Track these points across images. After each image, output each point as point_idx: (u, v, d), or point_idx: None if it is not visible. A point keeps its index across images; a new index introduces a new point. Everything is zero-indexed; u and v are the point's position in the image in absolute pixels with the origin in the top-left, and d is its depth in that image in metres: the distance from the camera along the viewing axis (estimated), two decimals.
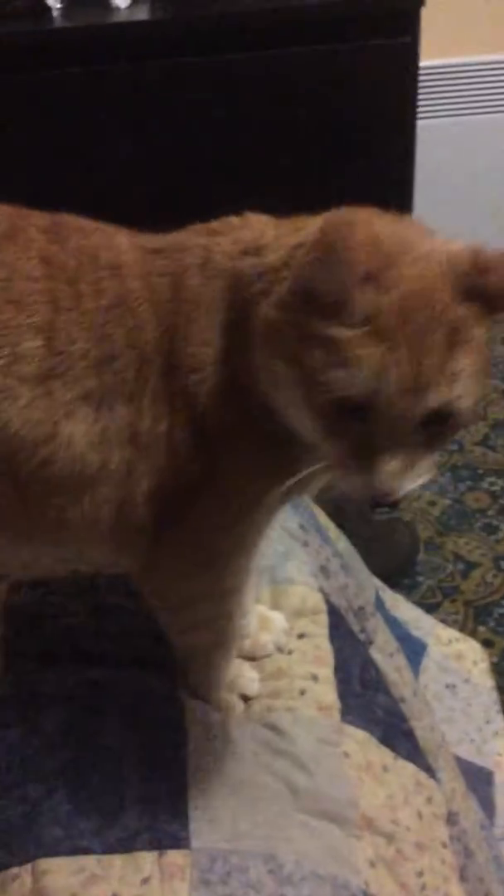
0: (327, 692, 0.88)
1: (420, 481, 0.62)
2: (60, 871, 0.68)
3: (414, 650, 1.47)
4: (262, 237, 0.68)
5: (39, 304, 0.66)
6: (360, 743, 0.86)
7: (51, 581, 0.91)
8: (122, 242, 0.71)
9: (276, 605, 0.96)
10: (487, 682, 1.50)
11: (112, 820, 0.72)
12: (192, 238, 0.70)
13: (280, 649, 0.92)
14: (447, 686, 1.44)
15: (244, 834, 0.73)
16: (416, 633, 1.48)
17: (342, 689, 0.89)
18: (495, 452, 2.18)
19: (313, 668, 0.90)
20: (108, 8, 1.49)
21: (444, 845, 0.88)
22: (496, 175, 2.36)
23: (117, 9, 1.50)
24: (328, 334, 0.57)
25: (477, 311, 0.59)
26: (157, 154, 1.49)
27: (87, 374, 0.66)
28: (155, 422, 0.68)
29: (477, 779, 1.33)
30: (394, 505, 0.62)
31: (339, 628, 0.96)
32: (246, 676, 0.88)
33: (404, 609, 1.50)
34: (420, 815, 0.87)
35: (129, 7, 1.52)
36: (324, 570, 1.04)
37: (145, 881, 0.68)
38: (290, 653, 0.91)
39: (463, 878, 0.88)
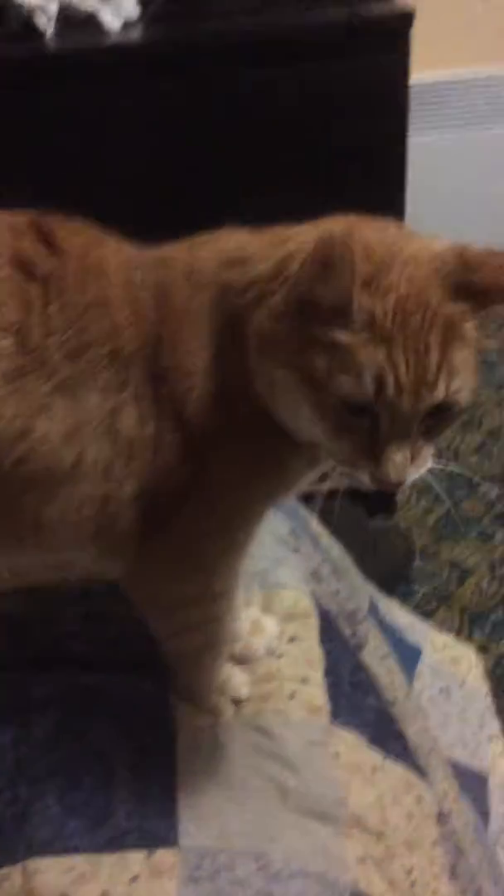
0: (317, 694, 0.89)
1: (423, 470, 0.66)
2: (50, 870, 0.69)
3: (409, 656, 1.48)
4: (244, 249, 0.70)
5: (10, 304, 0.67)
6: (349, 744, 0.87)
7: (43, 588, 0.93)
8: (107, 249, 0.73)
9: (267, 609, 0.98)
10: (482, 686, 1.51)
11: (102, 820, 0.73)
12: (174, 251, 0.72)
13: (271, 653, 0.93)
14: (441, 691, 1.45)
15: (232, 833, 0.74)
16: (410, 638, 1.49)
17: (332, 692, 0.90)
18: (490, 460, 2.19)
19: (303, 670, 0.91)
20: (101, 30, 1.51)
21: (435, 844, 0.89)
22: (487, 190, 2.39)
23: (110, 31, 1.52)
24: (331, 340, 0.60)
25: (466, 307, 0.62)
26: (152, 173, 1.51)
27: (62, 364, 0.67)
28: (140, 424, 0.69)
29: (471, 782, 1.34)
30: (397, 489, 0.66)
31: (330, 632, 0.98)
32: (236, 680, 0.89)
33: (399, 615, 1.51)
34: (410, 815, 0.88)
35: (122, 29, 1.54)
36: (315, 575, 1.06)
37: (134, 879, 0.69)
38: (280, 656, 0.93)
39: (453, 875, 0.89)
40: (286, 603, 0.97)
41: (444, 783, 1.05)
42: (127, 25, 1.54)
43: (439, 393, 0.61)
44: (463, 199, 2.32)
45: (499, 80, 2.49)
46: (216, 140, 1.52)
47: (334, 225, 0.66)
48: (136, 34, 1.55)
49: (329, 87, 1.52)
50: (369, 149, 1.56)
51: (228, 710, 0.87)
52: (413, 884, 0.81)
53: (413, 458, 0.63)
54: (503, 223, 2.57)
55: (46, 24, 1.47)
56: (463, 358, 0.62)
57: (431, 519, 2.04)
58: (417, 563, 1.91)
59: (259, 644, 0.94)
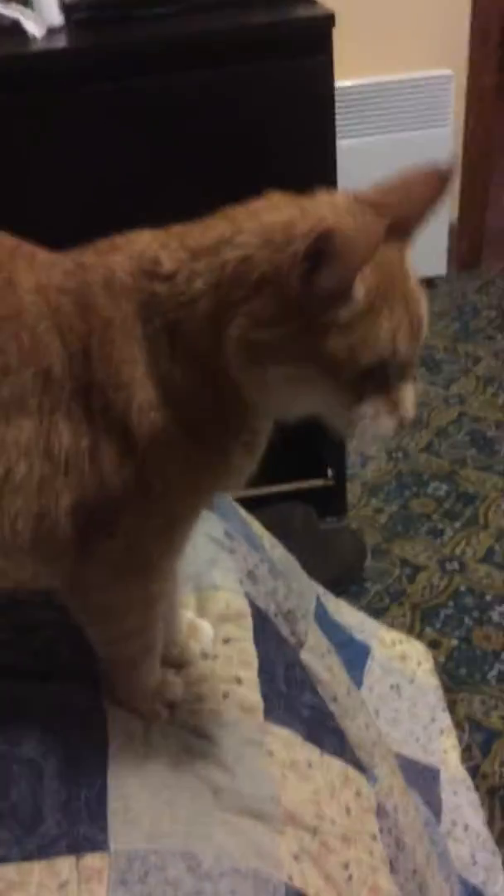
0: (251, 693, 0.89)
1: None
2: None
3: (358, 653, 1.49)
4: (158, 261, 0.69)
5: None
6: (284, 741, 0.87)
7: None
8: (20, 260, 0.72)
9: (201, 612, 0.98)
10: (432, 681, 1.52)
11: (31, 828, 0.72)
12: (88, 257, 0.72)
13: (205, 655, 0.93)
14: (392, 687, 1.46)
15: (163, 834, 0.74)
16: (359, 636, 1.50)
17: (266, 690, 0.90)
18: (439, 458, 2.22)
19: (237, 671, 0.91)
20: (24, 38, 1.51)
21: (374, 837, 0.90)
22: None
23: (33, 38, 1.52)
24: (341, 321, 0.63)
25: (402, 243, 0.68)
26: (76, 182, 1.51)
27: None
28: (74, 439, 0.69)
29: (423, 777, 1.35)
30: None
31: (265, 631, 0.98)
32: (170, 683, 0.89)
33: (347, 614, 1.51)
34: (348, 809, 0.88)
35: (46, 36, 1.55)
36: (251, 576, 1.06)
37: (63, 886, 0.69)
38: (214, 658, 0.93)
39: (394, 869, 0.89)
40: (220, 604, 0.98)
41: (390, 778, 1.06)
42: (51, 32, 1.55)
43: (426, 331, 0.68)
44: None
45: (418, 85, 2.53)
46: (143, 144, 1.52)
47: (299, 213, 0.66)
48: (59, 41, 1.55)
49: (257, 89, 1.54)
50: (300, 149, 1.57)
51: (163, 714, 0.87)
52: (350, 878, 0.81)
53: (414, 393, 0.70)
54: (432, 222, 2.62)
55: None
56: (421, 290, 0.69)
57: (382, 518, 2.05)
58: (369, 561, 1.93)
59: (196, 647, 0.94)
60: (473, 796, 1.37)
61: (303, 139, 1.60)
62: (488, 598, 1.80)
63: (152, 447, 0.69)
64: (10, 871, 0.69)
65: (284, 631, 1.05)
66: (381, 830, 0.91)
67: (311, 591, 1.41)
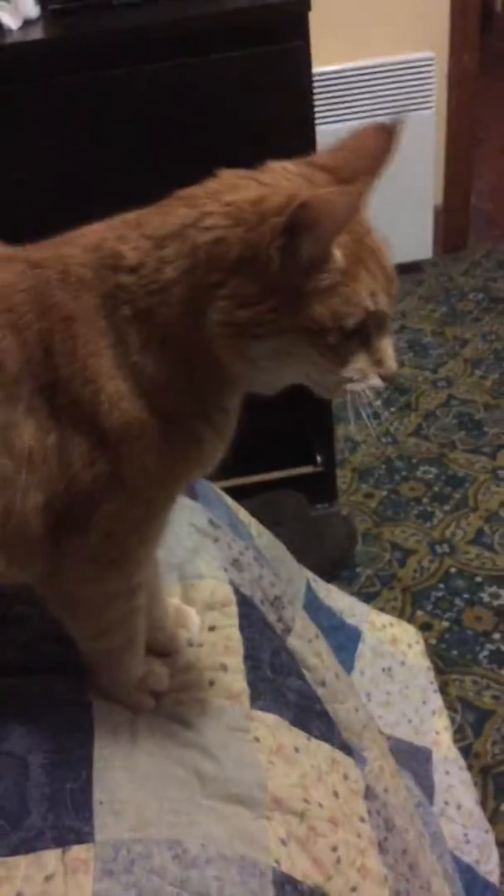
0: (236, 680, 0.90)
1: None
2: None
3: (349, 637, 1.50)
4: (119, 253, 0.68)
5: None
6: (270, 727, 0.87)
7: None
8: None
9: (186, 601, 0.98)
10: (423, 663, 1.53)
11: (16, 823, 0.72)
12: (40, 251, 0.71)
13: (191, 644, 0.94)
14: (383, 670, 1.47)
15: (149, 823, 0.74)
16: (350, 620, 1.50)
17: (251, 676, 0.91)
18: (428, 441, 2.22)
19: (223, 658, 0.92)
20: (0, 30, 1.50)
21: (362, 820, 0.90)
22: (389, 174, 2.43)
23: (9, 30, 1.51)
24: (323, 287, 0.64)
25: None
26: (54, 173, 1.50)
27: None
28: (38, 436, 0.69)
29: (416, 758, 1.36)
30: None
31: (250, 618, 0.98)
32: (156, 673, 0.89)
33: (337, 598, 1.52)
34: (335, 793, 0.89)
35: (22, 28, 1.53)
36: (236, 563, 1.06)
37: (49, 878, 0.69)
38: (199, 646, 0.93)
39: (382, 850, 0.90)
40: (204, 593, 0.98)
41: (380, 760, 1.06)
42: (27, 24, 1.53)
43: (398, 285, 0.70)
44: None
45: (400, 68, 2.52)
46: (121, 133, 1.52)
47: (250, 190, 0.66)
48: (36, 32, 1.54)
49: (234, 76, 1.53)
50: (279, 135, 1.56)
51: (149, 704, 0.87)
52: (338, 860, 0.82)
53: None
54: (408, 206, 2.62)
55: None
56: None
57: (372, 503, 2.06)
58: (360, 546, 1.93)
59: (184, 635, 0.94)
60: (466, 775, 1.38)
61: (282, 125, 1.59)
62: (478, 579, 1.81)
63: (125, 439, 0.69)
64: None
65: (271, 617, 1.05)
66: (369, 812, 0.92)
67: (299, 577, 1.42)
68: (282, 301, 0.64)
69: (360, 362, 0.69)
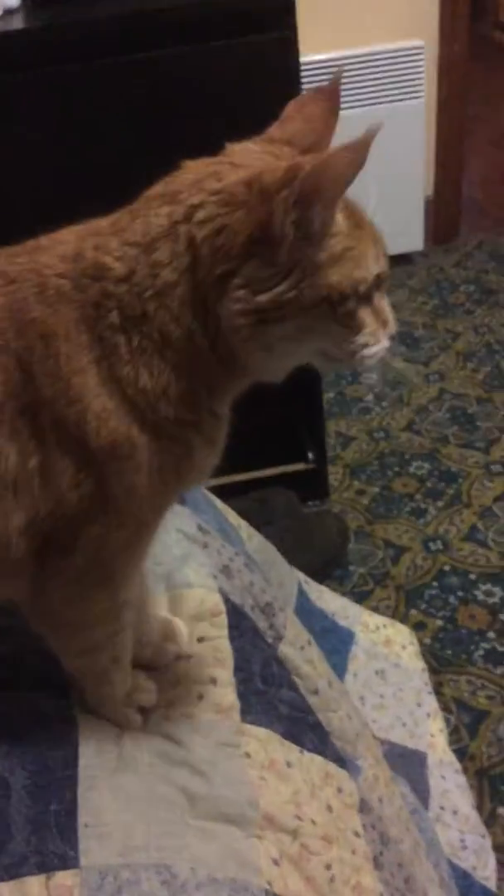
0: (226, 694, 0.87)
1: None
2: None
3: (342, 640, 1.48)
4: (103, 261, 0.65)
5: None
6: (261, 741, 0.85)
7: None
8: None
9: (174, 611, 0.95)
10: (417, 664, 1.51)
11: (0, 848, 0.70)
12: (14, 263, 0.68)
13: (179, 657, 0.91)
14: (377, 672, 1.45)
15: (136, 847, 0.72)
16: (342, 622, 1.48)
17: (242, 689, 0.88)
18: (421, 437, 2.20)
19: (212, 671, 0.89)
20: None
21: (357, 835, 0.88)
22: (379, 165, 2.40)
23: None
24: (336, 252, 0.64)
25: None
26: (39, 165, 1.47)
27: None
28: (21, 460, 0.66)
29: (410, 762, 1.34)
30: None
31: (240, 627, 0.95)
32: (143, 688, 0.86)
33: (330, 600, 1.50)
34: (329, 807, 0.87)
35: (2, 18, 1.50)
36: (225, 570, 1.03)
37: None
38: (188, 658, 0.90)
39: (378, 865, 0.88)
40: (193, 603, 0.95)
41: (375, 769, 1.04)
42: (7, 13, 1.50)
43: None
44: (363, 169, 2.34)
45: (389, 57, 2.49)
46: (105, 125, 1.48)
47: (237, 172, 0.64)
48: (17, 22, 1.50)
49: (220, 65, 1.50)
50: (266, 124, 1.53)
51: (137, 720, 0.84)
52: (332, 879, 0.79)
53: None
54: (398, 198, 2.59)
55: None
56: None
57: (365, 500, 2.03)
58: (353, 544, 1.91)
59: (170, 650, 0.92)
60: (461, 779, 1.36)
61: (269, 115, 1.55)
62: (472, 576, 1.79)
63: (114, 458, 0.66)
64: None
65: (262, 625, 1.02)
66: (364, 826, 0.90)
67: (291, 579, 1.39)
68: (300, 277, 0.63)
69: (371, 325, 0.68)
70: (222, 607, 0.96)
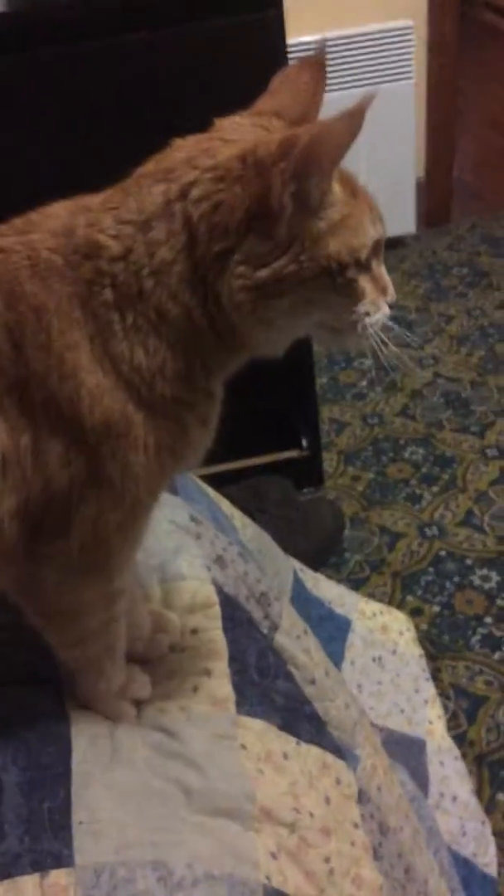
0: (221, 685, 0.86)
1: None
2: None
3: (338, 627, 1.46)
4: (97, 239, 0.64)
5: None
6: (257, 733, 0.84)
7: None
8: None
9: (167, 604, 0.94)
10: (415, 650, 1.50)
11: None
12: (5, 238, 0.66)
13: (173, 649, 0.90)
14: (374, 659, 1.44)
15: (132, 843, 0.70)
16: (339, 610, 1.47)
17: (237, 680, 0.87)
18: (415, 421, 2.18)
19: (207, 662, 0.88)
20: None
21: (356, 825, 0.87)
22: (369, 148, 2.38)
23: None
24: (334, 221, 0.63)
25: None
26: (17, 151, 1.45)
27: None
28: (11, 437, 0.64)
29: (409, 749, 1.33)
30: None
31: (234, 618, 0.94)
32: (137, 681, 0.85)
33: (326, 588, 1.49)
34: (327, 799, 0.86)
35: None
36: (219, 561, 1.02)
37: None
38: (182, 650, 0.89)
39: (378, 856, 0.87)
40: (186, 595, 0.94)
41: (373, 758, 1.03)
42: None
43: None
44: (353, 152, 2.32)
45: (378, 37, 2.46)
46: (90, 108, 1.46)
47: (229, 147, 0.64)
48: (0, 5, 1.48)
49: (205, 47, 1.48)
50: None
51: (131, 713, 0.83)
52: (332, 871, 0.78)
53: None
54: (389, 180, 2.57)
55: None
56: None
57: (360, 486, 2.02)
58: (348, 531, 1.90)
59: (163, 640, 0.90)
60: (460, 765, 1.36)
61: (256, 95, 1.53)
62: (468, 561, 1.78)
63: (108, 436, 0.65)
64: None
65: (257, 615, 1.01)
66: (363, 817, 0.89)
67: (286, 568, 1.38)
68: (299, 249, 0.63)
69: (371, 293, 0.68)
70: (215, 599, 0.94)
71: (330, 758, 0.90)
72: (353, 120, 0.59)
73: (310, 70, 0.71)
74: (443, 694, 1.51)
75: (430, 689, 1.45)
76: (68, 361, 0.64)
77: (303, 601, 1.37)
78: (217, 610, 0.93)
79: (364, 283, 0.67)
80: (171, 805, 0.75)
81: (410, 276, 2.73)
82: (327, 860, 0.79)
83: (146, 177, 0.65)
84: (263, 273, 0.63)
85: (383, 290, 0.69)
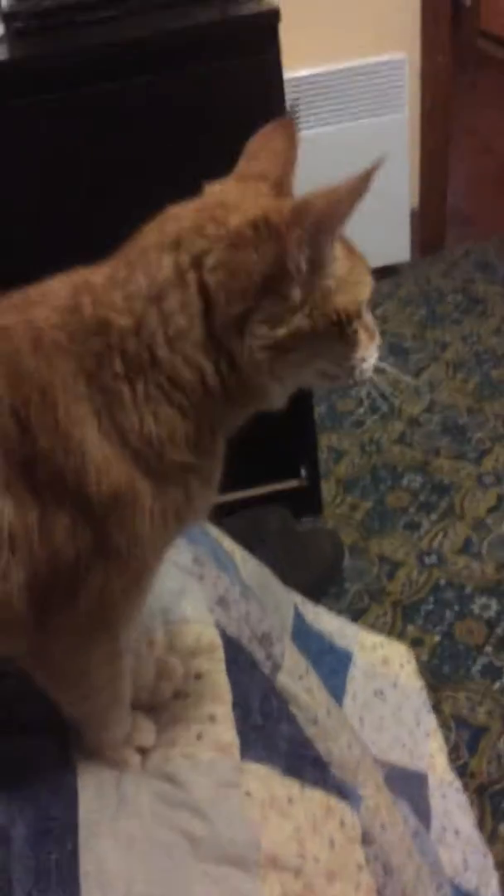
0: (225, 731, 0.87)
1: None
2: None
3: (339, 661, 1.47)
4: (106, 317, 0.65)
5: None
6: (262, 779, 0.85)
7: None
8: None
9: (171, 648, 0.95)
10: (416, 683, 1.51)
11: None
12: (4, 316, 0.67)
13: (177, 695, 0.91)
14: (375, 693, 1.44)
15: (139, 894, 0.71)
16: (340, 643, 1.48)
17: (241, 726, 0.88)
18: (413, 449, 2.20)
19: (210, 707, 0.89)
20: None
21: (361, 868, 0.88)
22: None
23: None
24: (339, 276, 0.68)
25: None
26: (22, 195, 1.47)
27: None
28: (19, 514, 0.65)
29: (411, 784, 1.34)
30: None
31: (238, 661, 0.95)
32: (142, 729, 0.86)
33: (326, 621, 1.50)
34: (332, 842, 0.86)
35: None
36: (222, 602, 1.03)
37: None
38: (186, 696, 0.90)
39: None
40: (190, 638, 0.95)
41: (376, 797, 1.04)
42: None
43: None
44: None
45: (372, 70, 2.50)
46: (91, 152, 1.48)
47: (238, 215, 0.66)
48: (1, 53, 1.50)
49: (204, 89, 1.50)
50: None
51: (136, 761, 0.84)
52: None
53: None
54: (384, 210, 2.60)
55: None
56: None
57: (358, 514, 2.03)
58: (347, 560, 1.91)
59: (167, 688, 0.91)
60: (462, 798, 1.36)
61: (252, 134, 1.56)
62: (468, 590, 1.79)
63: (115, 508, 0.66)
64: None
65: (259, 656, 1.02)
66: (367, 859, 0.90)
67: (287, 603, 1.39)
68: (312, 305, 0.66)
69: (365, 340, 0.72)
70: (219, 642, 0.95)
71: (333, 800, 0.91)
72: (362, 184, 0.62)
73: (283, 132, 0.75)
74: (444, 725, 1.52)
75: (431, 722, 1.46)
76: (74, 437, 0.65)
77: (303, 636, 1.38)
78: (221, 653, 0.94)
79: (360, 330, 0.71)
80: (177, 855, 0.76)
81: (406, 304, 2.76)
82: None
83: (151, 249, 0.66)
84: (281, 331, 0.66)
85: (372, 336, 0.73)
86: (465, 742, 1.52)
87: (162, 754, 0.84)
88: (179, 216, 0.67)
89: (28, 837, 0.74)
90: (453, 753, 1.49)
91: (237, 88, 1.52)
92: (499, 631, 1.69)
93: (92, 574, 0.68)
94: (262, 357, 0.67)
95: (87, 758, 0.83)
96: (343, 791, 0.95)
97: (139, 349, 0.65)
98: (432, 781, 1.36)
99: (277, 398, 0.72)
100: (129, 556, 0.68)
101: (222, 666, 0.93)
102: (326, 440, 2.25)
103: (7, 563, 0.66)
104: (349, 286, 0.68)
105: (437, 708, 1.54)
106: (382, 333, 0.76)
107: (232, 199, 0.68)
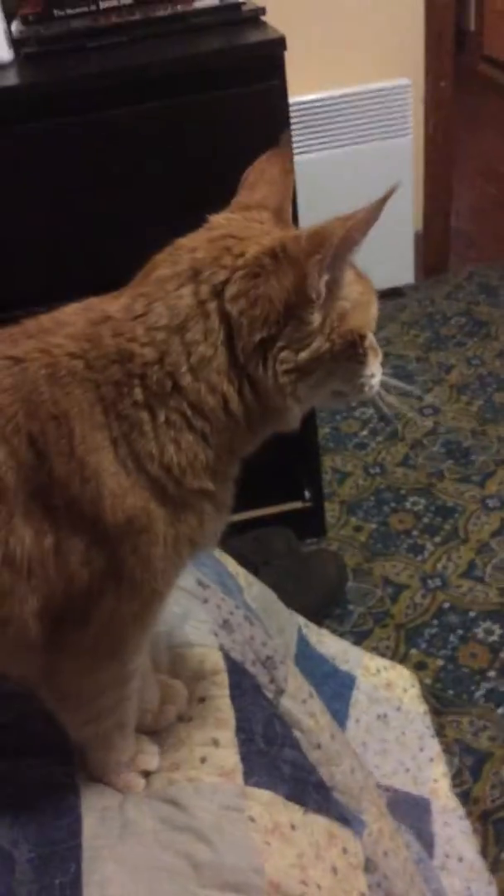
0: (229, 756, 0.87)
1: None
2: None
3: (343, 684, 1.47)
4: (129, 349, 0.66)
5: None
6: (265, 804, 0.85)
7: None
8: None
9: (175, 670, 0.95)
10: (419, 707, 1.51)
11: None
12: (18, 347, 0.68)
13: (181, 718, 0.91)
14: (379, 717, 1.44)
15: None
16: (343, 667, 1.48)
17: (244, 751, 0.88)
18: (416, 471, 2.20)
19: (214, 732, 0.89)
20: None
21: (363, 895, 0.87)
22: (370, 201, 2.44)
23: None
24: (354, 298, 0.70)
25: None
26: (29, 221, 1.48)
27: None
28: (36, 541, 0.66)
29: (414, 810, 1.33)
30: None
31: (241, 686, 0.95)
32: (146, 752, 0.86)
33: (330, 644, 1.50)
34: (335, 869, 0.86)
35: None
36: (226, 626, 1.03)
37: None
38: (189, 720, 0.90)
39: None
40: (194, 662, 0.95)
41: (379, 822, 1.04)
42: (0, 69, 1.52)
43: None
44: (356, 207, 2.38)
45: (376, 95, 2.53)
46: (98, 178, 1.50)
47: (257, 243, 0.68)
48: (10, 78, 1.52)
49: (210, 117, 1.52)
50: None
51: (140, 785, 0.84)
52: None
53: None
54: (388, 233, 2.62)
55: None
56: None
57: (362, 536, 2.03)
58: (351, 583, 1.91)
59: (171, 712, 0.91)
60: (465, 825, 1.35)
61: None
62: (472, 614, 1.79)
63: (130, 534, 0.67)
64: None
65: (263, 680, 1.02)
66: (370, 886, 0.89)
67: (291, 625, 1.39)
68: (331, 328, 0.69)
69: (372, 356, 0.74)
70: (223, 665, 0.96)
71: (337, 827, 0.91)
72: (376, 211, 0.65)
73: (279, 161, 0.77)
74: (447, 750, 1.51)
75: (434, 747, 1.45)
76: (90, 465, 0.65)
77: (307, 659, 1.38)
78: (224, 677, 0.94)
79: (366, 350, 0.73)
80: (180, 880, 0.75)
81: (410, 326, 2.77)
82: None
83: (167, 280, 0.67)
84: (305, 355, 0.68)
85: (376, 353, 0.75)
86: (468, 767, 1.51)
87: (166, 778, 0.84)
88: (192, 247, 0.68)
89: (32, 860, 0.74)
90: (456, 779, 1.48)
91: (243, 115, 1.53)
92: (503, 655, 1.69)
93: (104, 598, 0.68)
94: (285, 381, 0.69)
95: (91, 781, 0.83)
96: (346, 817, 0.94)
97: (161, 377, 0.66)
98: (435, 807, 1.35)
99: (295, 419, 0.74)
100: (142, 581, 0.69)
101: (226, 690, 0.93)
102: (330, 462, 2.26)
103: (24, 589, 0.66)
104: (362, 306, 0.71)
105: (440, 733, 1.53)
106: (386, 356, 0.78)
107: (240, 229, 0.70)
